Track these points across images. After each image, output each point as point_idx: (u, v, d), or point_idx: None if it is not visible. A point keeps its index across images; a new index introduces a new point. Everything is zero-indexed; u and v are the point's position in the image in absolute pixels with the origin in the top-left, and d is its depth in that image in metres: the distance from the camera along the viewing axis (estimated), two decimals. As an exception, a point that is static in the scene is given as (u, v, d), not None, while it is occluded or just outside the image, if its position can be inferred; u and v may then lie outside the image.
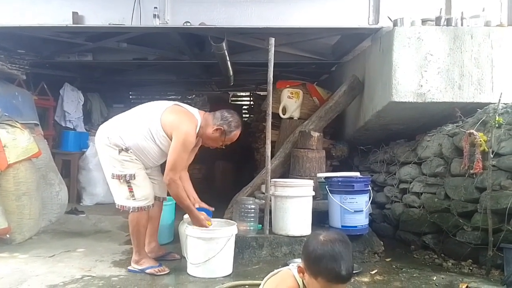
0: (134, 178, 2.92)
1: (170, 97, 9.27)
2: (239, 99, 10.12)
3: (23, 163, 3.79)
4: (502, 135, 3.30)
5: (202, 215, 3.04)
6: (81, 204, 5.37)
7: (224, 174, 7.52)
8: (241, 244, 3.36)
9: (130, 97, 8.86)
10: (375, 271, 3.11)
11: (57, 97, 5.95)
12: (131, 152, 2.95)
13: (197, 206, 3.16)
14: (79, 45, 5.22)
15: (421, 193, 4.05)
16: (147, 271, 2.96)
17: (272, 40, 3.64)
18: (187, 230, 3.06)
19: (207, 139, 3.17)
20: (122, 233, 4.07)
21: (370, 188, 3.89)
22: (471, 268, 3.33)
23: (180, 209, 3.76)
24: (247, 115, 9.27)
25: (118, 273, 2.97)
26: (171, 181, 2.91)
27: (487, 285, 2.79)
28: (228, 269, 3.02)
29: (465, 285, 2.78)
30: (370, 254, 3.62)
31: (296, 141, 4.58)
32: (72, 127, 6.10)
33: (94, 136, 6.30)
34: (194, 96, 9.67)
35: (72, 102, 6.09)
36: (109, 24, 4.10)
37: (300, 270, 1.64)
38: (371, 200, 3.88)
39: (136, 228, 2.98)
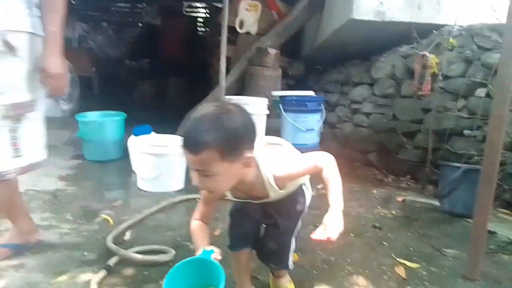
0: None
1: (121, 5, 8.52)
2: (194, 10, 9.51)
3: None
4: (453, 58, 3.35)
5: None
6: (23, 118, 5.06)
7: (177, 91, 7.32)
8: (193, 160, 3.36)
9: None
10: (321, 186, 3.25)
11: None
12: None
13: None
14: None
15: (371, 114, 4.16)
16: None
17: None
18: (138, 146, 2.98)
19: None
20: (69, 147, 3.92)
21: (323, 107, 3.94)
22: (408, 183, 3.59)
23: (129, 124, 3.65)
24: (203, 28, 8.81)
25: (65, 187, 2.90)
26: None
27: (422, 198, 3.02)
28: (180, 184, 3.04)
29: (402, 198, 3.00)
30: (318, 170, 3.78)
31: (252, 57, 4.44)
32: None
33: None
34: (144, 5, 8.96)
35: None
36: None
37: None
38: (323, 119, 3.95)
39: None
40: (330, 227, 1.15)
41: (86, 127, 3.56)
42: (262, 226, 1.49)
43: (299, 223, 1.45)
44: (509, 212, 2.75)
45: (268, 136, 1.48)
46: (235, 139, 1.12)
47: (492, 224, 1.94)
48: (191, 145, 1.11)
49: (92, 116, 3.75)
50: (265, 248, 1.45)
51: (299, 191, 1.44)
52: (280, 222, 1.39)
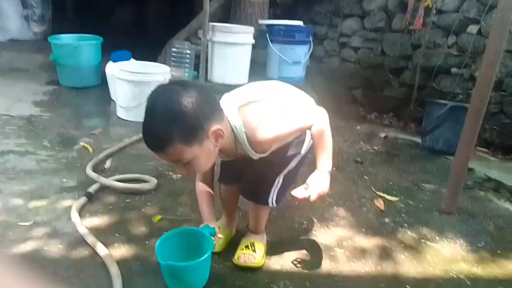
0: None
1: None
2: None
3: None
4: (449, -9, 3.21)
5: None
6: (-9, 39, 4.72)
7: (157, 17, 6.91)
8: (175, 90, 3.24)
9: None
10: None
11: None
12: None
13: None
14: None
15: (359, 48, 4.06)
16: None
17: None
18: (117, 73, 2.84)
19: None
20: (43, 72, 3.71)
21: (311, 39, 3.79)
22: (391, 120, 3.61)
23: (106, 50, 3.45)
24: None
25: (41, 113, 2.78)
26: None
27: (404, 135, 3.05)
28: (161, 114, 2.95)
29: (385, 134, 3.02)
30: (302, 104, 3.73)
31: (238, -19, 4.16)
32: None
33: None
34: None
35: None
36: None
37: None
38: (310, 52, 3.82)
39: None
40: (312, 188, 1.14)
41: (60, 51, 3.35)
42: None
43: (292, 164, 1.34)
44: (487, 151, 2.82)
45: (250, 90, 1.33)
46: (192, 121, 1.04)
47: (470, 161, 1.98)
48: (153, 146, 1.09)
49: (67, 39, 3.51)
50: (245, 179, 1.40)
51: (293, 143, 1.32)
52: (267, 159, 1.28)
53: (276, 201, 1.37)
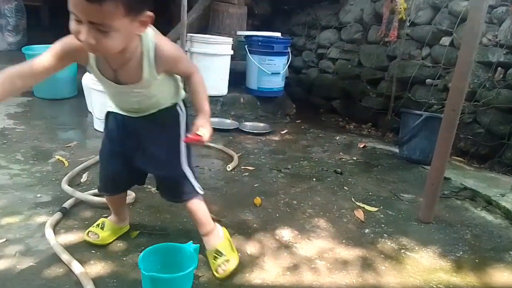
0: None
1: None
2: None
3: None
4: (421, 4, 3.31)
5: None
6: (-39, 49, 4.59)
7: (136, 27, 6.84)
8: (154, 101, 3.20)
9: None
10: (285, 131, 3.26)
11: None
12: None
13: None
14: None
15: (337, 59, 4.12)
16: None
17: None
18: (93, 84, 2.79)
19: None
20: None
21: (289, 50, 3.83)
22: (369, 130, 3.67)
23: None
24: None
25: (14, 126, 2.70)
26: None
27: (382, 145, 3.10)
28: (139, 126, 2.91)
29: (363, 144, 3.05)
30: (282, 115, 3.75)
31: (217, -8, 4.17)
32: None
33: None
34: None
35: None
36: None
37: None
38: (289, 63, 3.85)
39: None
40: (203, 129, 1.19)
41: (34, 62, 3.27)
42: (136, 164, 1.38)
43: (182, 148, 1.36)
44: (463, 160, 2.89)
45: None
46: None
47: (447, 170, 2.02)
48: None
49: (41, 49, 3.43)
50: (157, 184, 1.46)
51: (173, 112, 1.36)
52: (151, 150, 1.34)
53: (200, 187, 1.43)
